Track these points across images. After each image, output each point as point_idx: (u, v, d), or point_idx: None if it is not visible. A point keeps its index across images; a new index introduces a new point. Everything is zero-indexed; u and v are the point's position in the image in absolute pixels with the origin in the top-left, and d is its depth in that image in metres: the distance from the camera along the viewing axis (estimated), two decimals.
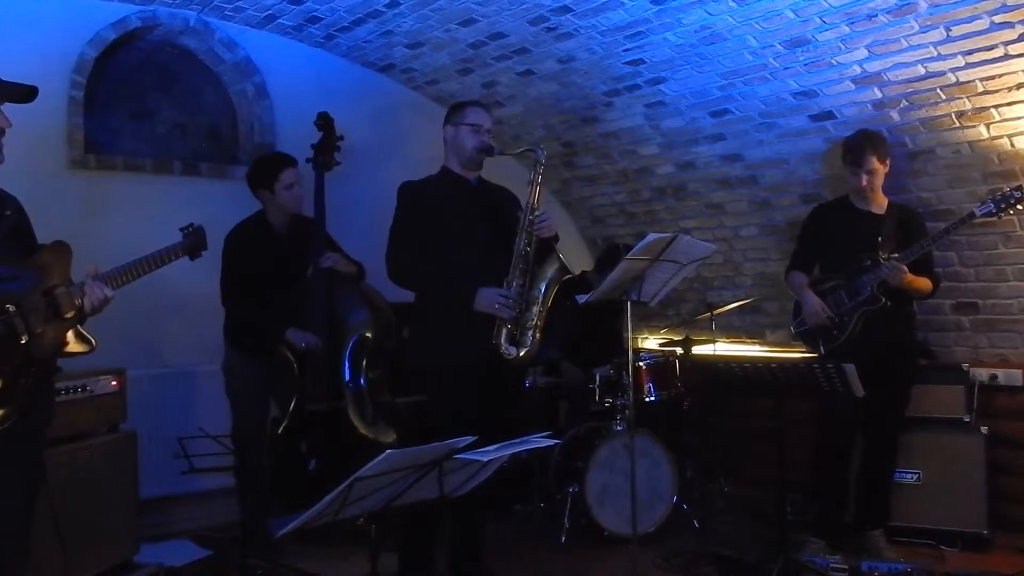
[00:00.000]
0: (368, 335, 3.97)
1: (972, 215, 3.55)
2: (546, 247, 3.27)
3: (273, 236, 3.95)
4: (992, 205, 3.51)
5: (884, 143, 3.75)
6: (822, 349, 3.81)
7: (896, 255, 3.63)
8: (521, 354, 3.17)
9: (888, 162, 3.75)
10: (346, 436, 3.87)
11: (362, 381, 3.96)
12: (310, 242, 3.94)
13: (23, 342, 2.29)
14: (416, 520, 3.20)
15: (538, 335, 3.19)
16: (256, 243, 3.89)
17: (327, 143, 4.03)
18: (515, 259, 3.17)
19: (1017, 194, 3.45)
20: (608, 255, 4.96)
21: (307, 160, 4.04)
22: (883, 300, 3.67)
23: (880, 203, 3.83)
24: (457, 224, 3.26)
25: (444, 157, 3.45)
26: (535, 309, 3.18)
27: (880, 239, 3.71)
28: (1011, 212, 3.50)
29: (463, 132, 3.34)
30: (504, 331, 3.15)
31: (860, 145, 3.71)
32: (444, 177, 3.40)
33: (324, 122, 4.06)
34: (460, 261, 3.21)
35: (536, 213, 3.21)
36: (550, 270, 3.21)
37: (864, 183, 3.72)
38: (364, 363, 3.96)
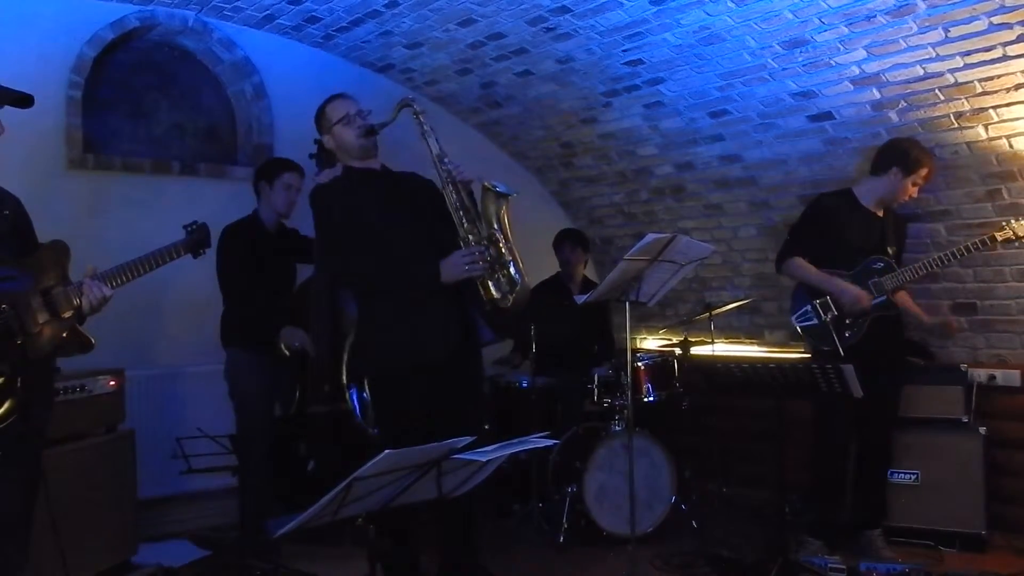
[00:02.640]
0: None
1: (994, 239, 3.59)
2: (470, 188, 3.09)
3: (264, 235, 3.97)
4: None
5: None
6: (839, 346, 3.69)
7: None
8: (516, 294, 2.98)
9: None
10: (346, 437, 3.87)
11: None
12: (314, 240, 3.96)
13: (20, 342, 2.29)
14: (400, 521, 3.13)
15: (521, 266, 3.00)
16: (249, 241, 3.90)
17: None
18: (455, 216, 3.01)
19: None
20: None
21: (310, 156, 4.04)
22: (898, 307, 3.72)
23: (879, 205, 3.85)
24: (375, 218, 3.08)
25: (340, 161, 3.28)
26: (502, 247, 2.99)
27: (886, 244, 3.76)
28: None
29: (338, 132, 3.16)
30: (490, 284, 2.99)
31: (930, 158, 3.69)
32: (349, 174, 3.22)
33: None
34: (392, 250, 3.05)
35: (446, 160, 3.03)
36: (491, 205, 3.01)
37: (912, 194, 3.73)
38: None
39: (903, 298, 3.85)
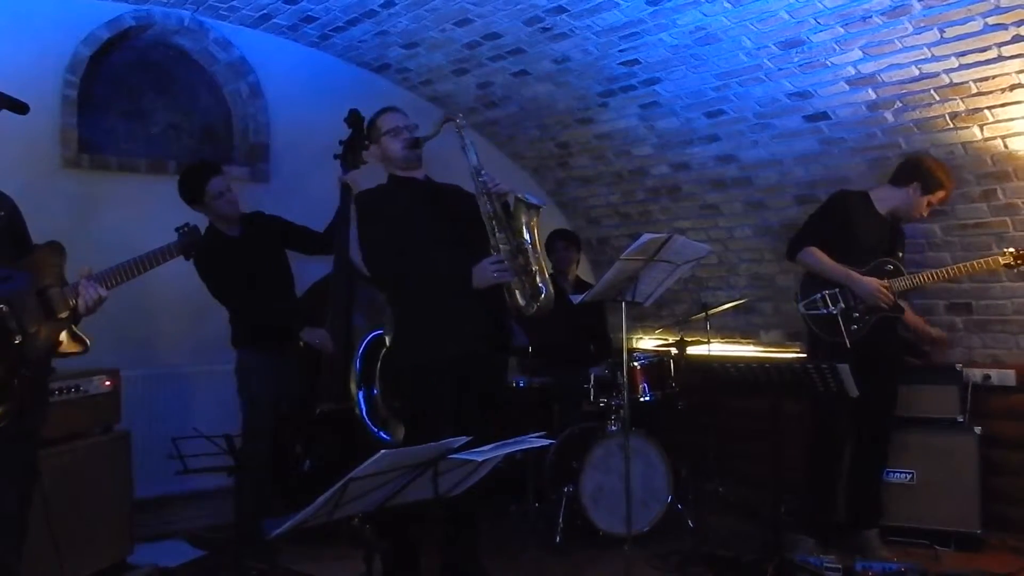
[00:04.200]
0: (384, 336, 3.98)
1: (997, 262, 3.65)
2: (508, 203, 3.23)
3: (228, 244, 3.84)
4: None
5: None
6: (847, 338, 3.68)
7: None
8: (541, 301, 3.14)
9: None
10: (342, 436, 3.88)
11: (375, 388, 3.98)
12: (333, 239, 3.94)
13: (16, 342, 2.29)
14: (400, 521, 3.18)
15: (547, 276, 3.17)
16: (216, 257, 3.74)
17: (356, 141, 3.97)
18: (487, 224, 3.16)
19: None
20: None
21: (335, 156, 4.02)
22: (902, 308, 3.74)
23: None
24: (416, 225, 3.25)
25: (387, 168, 3.39)
26: (531, 257, 3.16)
27: (896, 248, 3.81)
28: None
29: (386, 142, 3.31)
30: (516, 292, 3.15)
31: (951, 181, 3.73)
32: (393, 183, 3.37)
33: (354, 119, 4.01)
34: (426, 258, 3.19)
35: (483, 173, 3.18)
36: (523, 216, 3.17)
37: (924, 213, 3.79)
38: (378, 364, 3.97)
39: (909, 313, 3.90)
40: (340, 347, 3.89)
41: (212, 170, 3.84)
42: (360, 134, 3.99)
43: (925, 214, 3.81)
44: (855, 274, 3.75)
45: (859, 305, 3.73)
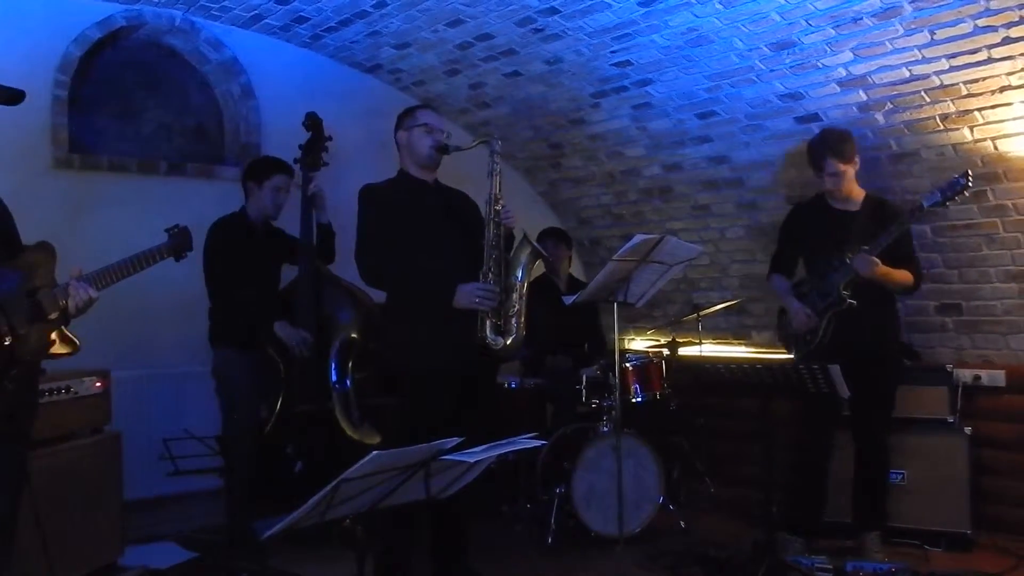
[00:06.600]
0: (354, 336, 3.99)
1: (920, 208, 3.46)
2: (512, 234, 3.29)
3: (251, 233, 3.98)
4: (939, 194, 3.43)
5: (845, 143, 3.64)
6: (804, 350, 3.73)
7: (866, 247, 3.51)
8: (508, 343, 3.17)
9: (856, 160, 3.66)
10: (333, 437, 3.87)
11: (348, 382, 3.97)
12: (298, 242, 3.99)
13: (6, 343, 2.28)
14: (393, 522, 3.18)
15: (522, 320, 3.20)
16: (236, 238, 3.90)
17: (315, 143, 4.03)
18: (486, 251, 3.18)
19: (963, 181, 3.38)
20: None
21: (295, 160, 4.03)
22: (847, 301, 3.56)
23: (856, 199, 3.74)
24: (418, 225, 3.26)
25: (400, 162, 3.42)
26: (515, 296, 3.19)
27: (851, 237, 3.61)
28: (956, 200, 3.44)
29: (416, 134, 3.32)
30: (488, 323, 3.16)
31: (819, 149, 3.68)
32: (403, 180, 3.39)
33: (312, 122, 4.05)
34: (424, 262, 3.21)
35: (500, 203, 3.21)
36: (523, 255, 3.21)
37: (830, 186, 3.71)
38: (350, 364, 3.97)
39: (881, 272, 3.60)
40: (310, 347, 3.90)
41: (287, 169, 4.02)
42: (319, 136, 4.03)
43: (831, 185, 3.67)
44: (789, 301, 3.84)
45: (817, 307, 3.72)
